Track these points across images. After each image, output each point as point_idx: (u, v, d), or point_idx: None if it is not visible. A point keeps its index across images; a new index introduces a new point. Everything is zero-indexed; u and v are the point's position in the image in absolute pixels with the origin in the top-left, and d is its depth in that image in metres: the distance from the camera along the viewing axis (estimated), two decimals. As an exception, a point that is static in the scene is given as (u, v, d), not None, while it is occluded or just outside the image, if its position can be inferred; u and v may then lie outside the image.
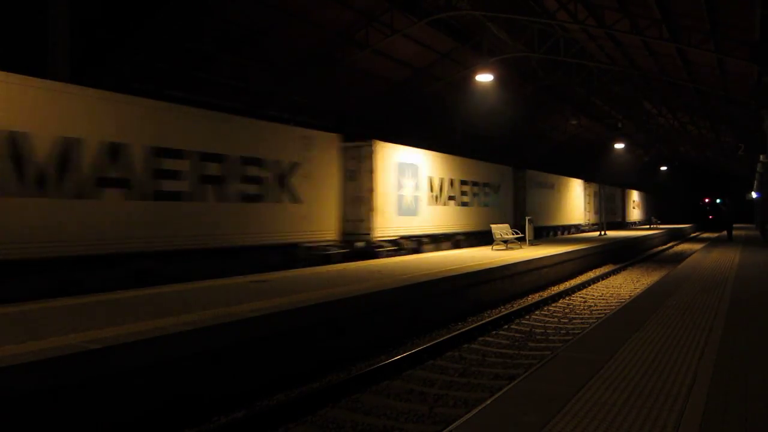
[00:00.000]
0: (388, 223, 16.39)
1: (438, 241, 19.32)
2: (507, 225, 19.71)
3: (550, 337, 9.54)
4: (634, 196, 52.06)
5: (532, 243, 20.21)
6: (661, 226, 43.76)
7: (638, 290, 14.24)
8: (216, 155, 11.08)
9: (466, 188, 21.26)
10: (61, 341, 5.37)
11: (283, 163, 12.98)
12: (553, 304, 12.77)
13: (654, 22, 15.82)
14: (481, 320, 10.31)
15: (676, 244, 35.85)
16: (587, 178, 36.54)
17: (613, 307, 11.64)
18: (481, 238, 20.97)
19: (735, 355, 5.39)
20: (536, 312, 11.79)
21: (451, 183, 20.22)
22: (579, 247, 19.58)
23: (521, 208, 25.98)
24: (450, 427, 3.77)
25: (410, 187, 17.67)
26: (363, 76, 21.25)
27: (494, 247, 18.42)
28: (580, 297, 13.93)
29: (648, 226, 44.50)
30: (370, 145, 15.84)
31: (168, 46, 15.63)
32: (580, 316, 11.56)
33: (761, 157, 26.36)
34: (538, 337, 9.59)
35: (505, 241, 18.72)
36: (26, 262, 8.18)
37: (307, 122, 17.91)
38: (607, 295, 14.34)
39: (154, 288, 9.09)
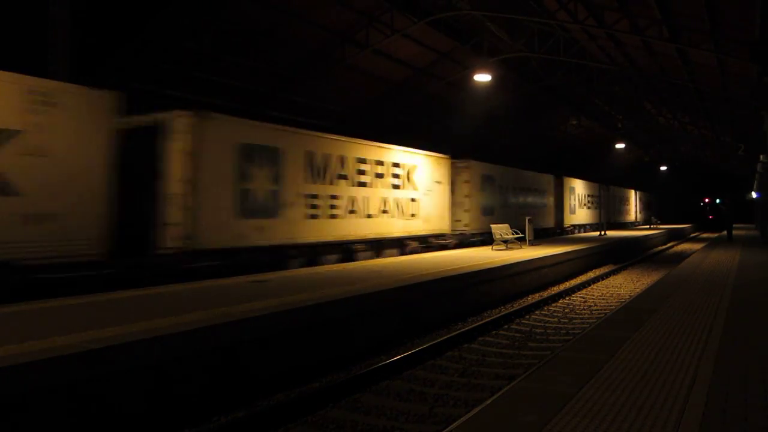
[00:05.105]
0: (477, 221, 21.55)
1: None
2: (507, 225, 19.78)
3: (550, 337, 9.54)
4: (640, 196, 52.33)
5: (531, 243, 20.22)
6: (661, 226, 43.71)
7: (638, 290, 14.24)
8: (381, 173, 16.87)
9: (526, 193, 26.73)
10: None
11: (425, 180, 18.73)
12: (553, 304, 12.77)
13: (654, 22, 15.80)
14: (481, 320, 10.32)
15: (676, 244, 35.85)
16: (602, 181, 37.74)
17: (613, 307, 11.65)
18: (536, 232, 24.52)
19: (735, 355, 5.39)
20: (536, 312, 11.79)
21: (514, 190, 25.34)
22: (578, 247, 19.58)
23: (561, 208, 31.73)
24: (450, 427, 3.78)
25: (489, 194, 22.90)
26: (363, 76, 21.23)
27: (494, 247, 18.44)
28: (580, 297, 13.93)
29: (648, 226, 44.47)
30: (467, 162, 21.17)
31: (169, 46, 15.63)
32: (580, 316, 11.56)
33: (761, 157, 26.34)
34: (538, 337, 9.60)
35: (505, 241, 18.73)
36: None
37: (307, 123, 17.93)
38: (607, 295, 14.33)
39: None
